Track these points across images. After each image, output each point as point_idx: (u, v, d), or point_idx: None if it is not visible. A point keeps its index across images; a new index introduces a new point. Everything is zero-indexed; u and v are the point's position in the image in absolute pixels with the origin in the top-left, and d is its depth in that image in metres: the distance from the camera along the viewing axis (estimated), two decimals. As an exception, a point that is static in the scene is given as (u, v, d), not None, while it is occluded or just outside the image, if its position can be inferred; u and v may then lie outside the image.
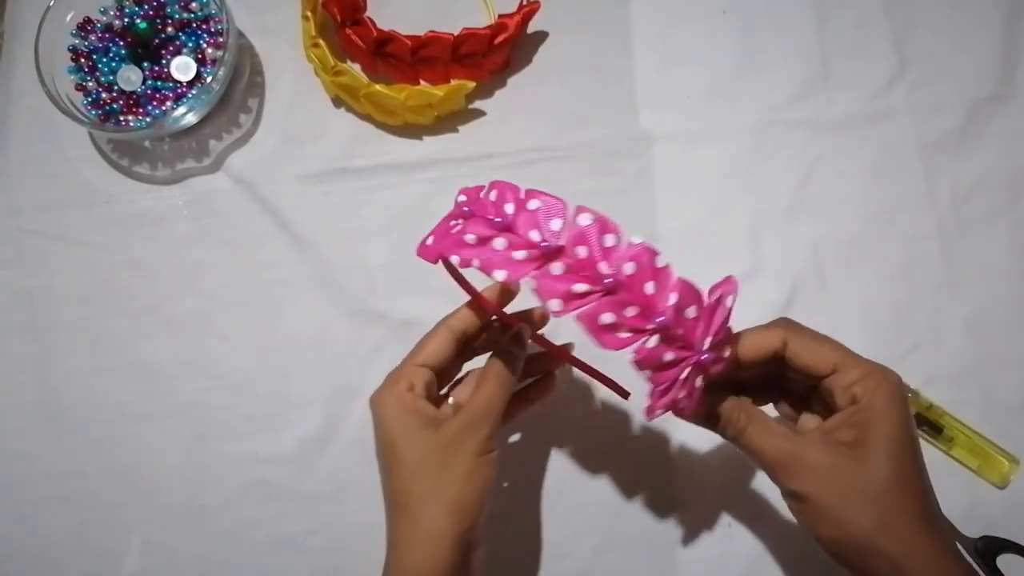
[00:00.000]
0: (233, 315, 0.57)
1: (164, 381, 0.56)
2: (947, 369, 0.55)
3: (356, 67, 0.60)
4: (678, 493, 0.54)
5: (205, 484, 0.55)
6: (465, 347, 0.44)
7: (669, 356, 0.34)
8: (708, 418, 0.39)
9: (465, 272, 0.38)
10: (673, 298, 0.33)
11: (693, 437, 0.54)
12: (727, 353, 0.36)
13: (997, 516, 0.53)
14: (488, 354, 0.43)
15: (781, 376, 0.40)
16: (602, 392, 0.55)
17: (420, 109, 0.57)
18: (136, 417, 0.56)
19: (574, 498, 0.54)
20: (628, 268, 0.33)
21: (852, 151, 0.59)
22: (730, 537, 0.53)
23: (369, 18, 0.58)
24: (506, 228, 0.34)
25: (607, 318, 0.33)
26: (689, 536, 0.53)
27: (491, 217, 0.34)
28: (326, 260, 0.57)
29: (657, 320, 0.33)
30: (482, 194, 0.36)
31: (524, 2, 0.58)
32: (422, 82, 0.59)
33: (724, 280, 0.35)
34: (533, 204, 0.34)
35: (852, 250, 0.57)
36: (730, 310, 0.35)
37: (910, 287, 0.57)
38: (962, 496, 0.53)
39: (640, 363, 0.34)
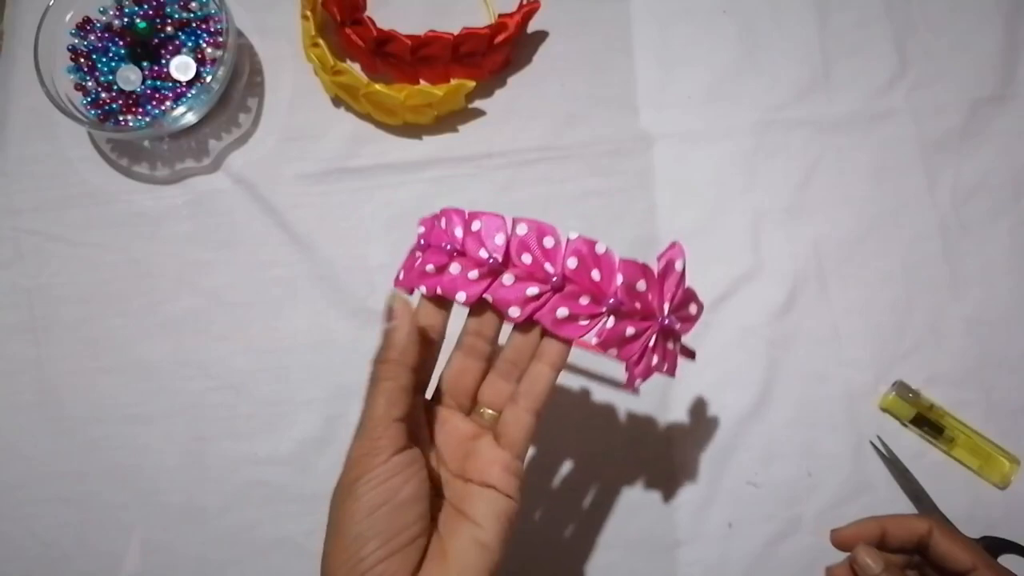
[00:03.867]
0: (233, 315, 0.57)
1: (164, 381, 0.56)
2: (948, 369, 0.55)
3: (356, 67, 0.60)
4: (678, 493, 0.54)
5: (205, 484, 0.55)
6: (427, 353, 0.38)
7: (631, 330, 0.36)
8: None
9: None
10: (619, 278, 0.36)
11: (693, 437, 0.54)
12: (693, 310, 0.39)
13: (998, 516, 0.53)
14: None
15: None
16: (602, 392, 0.55)
17: (420, 109, 0.57)
18: (136, 417, 0.56)
19: (574, 498, 0.54)
20: (571, 263, 0.36)
21: (852, 151, 0.59)
22: (730, 537, 0.53)
23: (369, 17, 0.58)
24: (458, 252, 0.36)
25: (563, 312, 0.35)
26: (689, 536, 0.53)
27: (444, 244, 0.36)
28: (326, 260, 0.57)
29: (608, 302, 0.35)
30: (435, 222, 0.38)
31: (524, 2, 0.58)
32: (422, 82, 0.59)
33: (669, 247, 0.37)
34: (475, 225, 0.36)
35: (852, 250, 0.57)
36: (681, 273, 0.37)
37: (910, 287, 0.57)
38: (963, 496, 0.53)
39: (604, 344, 0.36)
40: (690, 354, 0.42)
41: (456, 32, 0.56)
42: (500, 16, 0.58)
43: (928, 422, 0.54)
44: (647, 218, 0.58)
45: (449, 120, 0.60)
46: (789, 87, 0.60)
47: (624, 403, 0.55)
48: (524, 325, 0.36)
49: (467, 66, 0.58)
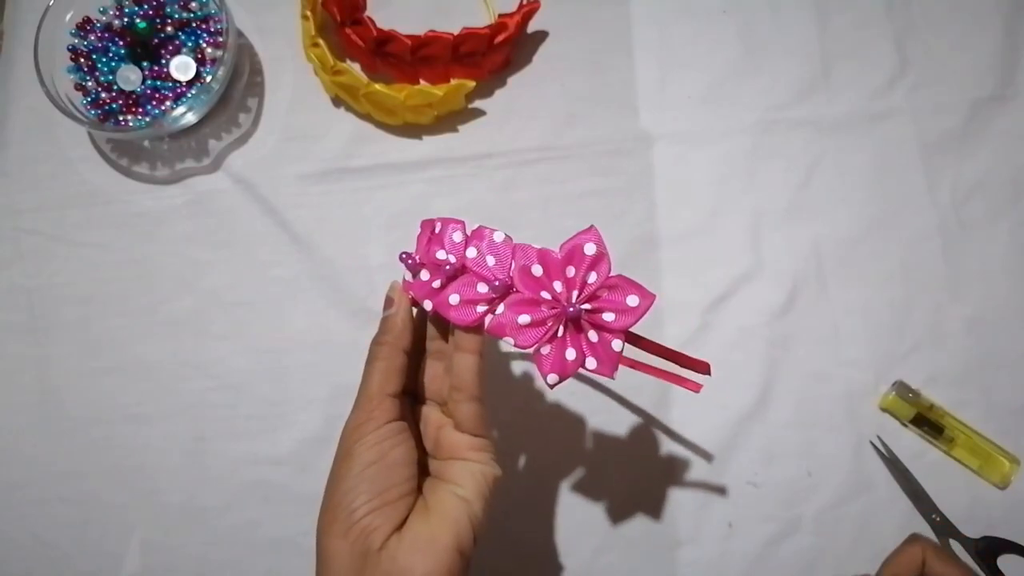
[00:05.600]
0: (233, 315, 0.57)
1: (164, 381, 0.56)
2: (948, 369, 0.55)
3: (356, 66, 0.60)
4: (678, 493, 0.54)
5: (205, 484, 0.55)
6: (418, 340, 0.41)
7: (525, 318, 0.35)
8: None
9: None
10: (512, 264, 0.36)
11: (693, 437, 0.54)
12: (633, 301, 0.35)
13: (998, 516, 0.53)
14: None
15: None
16: (602, 392, 0.55)
17: (420, 109, 0.57)
18: (136, 417, 0.56)
19: (574, 498, 0.54)
20: (470, 252, 0.37)
21: (852, 151, 0.59)
22: (730, 537, 0.53)
23: (369, 17, 0.58)
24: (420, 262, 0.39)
25: (455, 299, 0.36)
26: (689, 536, 0.53)
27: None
28: (326, 260, 0.57)
29: (494, 284, 0.36)
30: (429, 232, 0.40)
31: (524, 2, 0.58)
32: (422, 81, 0.59)
33: (582, 231, 0.36)
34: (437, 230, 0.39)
35: (852, 250, 0.57)
36: (595, 258, 0.35)
37: (910, 287, 0.57)
38: (963, 496, 0.53)
39: (492, 329, 0.36)
40: (704, 367, 0.39)
41: (456, 32, 0.56)
42: (500, 16, 0.58)
43: (928, 422, 0.54)
44: (647, 218, 0.58)
45: (449, 120, 0.60)
46: (789, 87, 0.60)
47: (624, 403, 0.55)
48: (435, 317, 0.39)
49: (467, 66, 0.58)
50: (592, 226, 0.36)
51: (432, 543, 0.35)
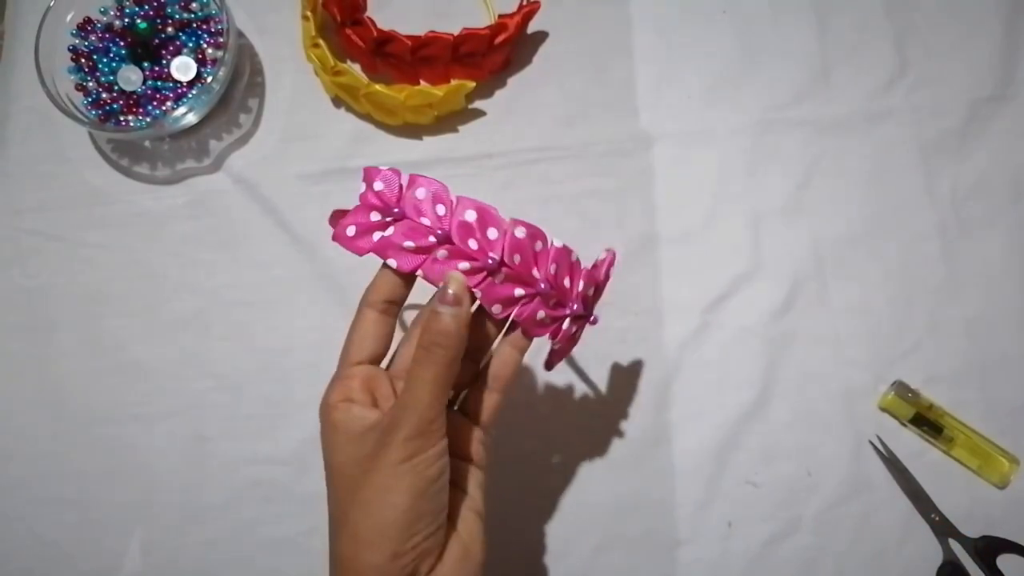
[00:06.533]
0: (233, 315, 0.57)
1: (164, 381, 0.56)
2: (947, 369, 0.55)
3: (356, 67, 0.60)
4: (678, 493, 0.54)
5: (205, 484, 0.55)
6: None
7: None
8: None
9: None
10: (553, 267, 0.37)
11: (693, 437, 0.54)
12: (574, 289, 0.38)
13: (997, 516, 0.53)
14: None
15: None
16: (601, 393, 0.55)
17: (420, 109, 0.57)
18: (136, 417, 0.56)
19: (574, 498, 0.54)
20: (464, 216, 0.36)
21: (852, 151, 0.59)
22: (730, 537, 0.53)
23: (369, 18, 0.58)
24: (446, 240, 0.37)
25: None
26: (689, 536, 0.53)
27: (423, 221, 0.37)
28: (327, 260, 0.57)
29: (489, 259, 0.36)
30: (397, 184, 0.38)
31: (524, 2, 0.58)
32: (422, 82, 0.60)
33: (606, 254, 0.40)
34: (420, 192, 0.37)
35: (851, 250, 0.57)
36: (553, 250, 0.38)
37: (910, 287, 0.57)
38: (962, 496, 0.53)
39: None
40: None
41: (456, 33, 0.56)
42: (500, 17, 0.58)
43: (927, 422, 0.54)
44: (646, 218, 0.58)
45: (449, 120, 0.60)
46: (788, 87, 0.60)
47: (624, 403, 0.55)
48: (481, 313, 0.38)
49: (467, 66, 0.58)
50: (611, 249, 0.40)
51: (466, 562, 0.35)
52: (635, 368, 0.55)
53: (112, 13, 0.58)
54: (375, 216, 0.37)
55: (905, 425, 0.54)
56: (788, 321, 0.56)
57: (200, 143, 0.60)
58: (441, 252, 0.36)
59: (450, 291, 0.35)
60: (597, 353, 0.56)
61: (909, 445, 0.54)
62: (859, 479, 0.54)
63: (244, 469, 0.55)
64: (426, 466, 0.34)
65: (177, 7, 0.58)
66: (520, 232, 0.37)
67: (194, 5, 0.58)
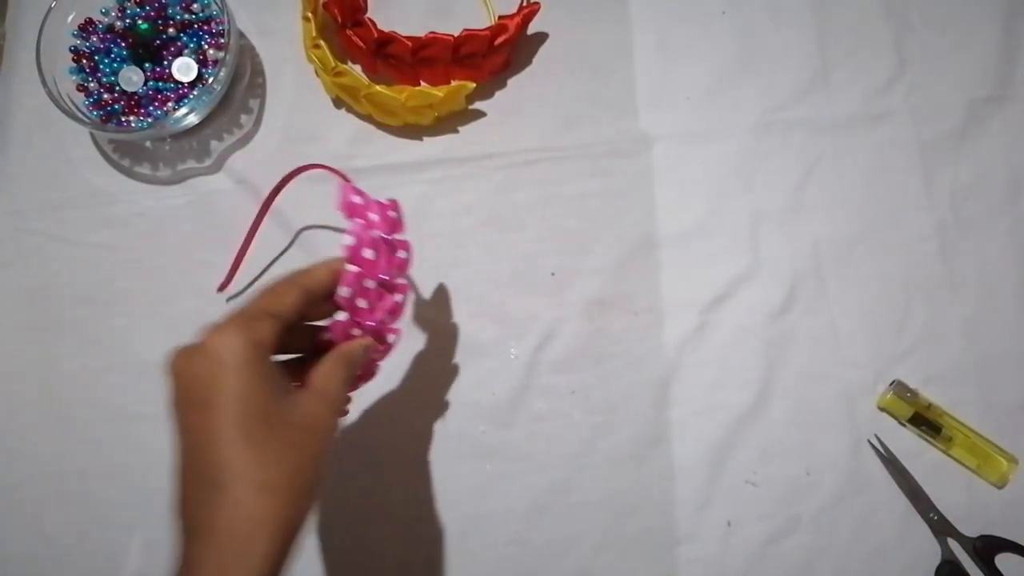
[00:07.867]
0: (234, 315, 0.57)
1: (164, 381, 0.56)
2: (946, 369, 0.55)
3: (357, 68, 0.60)
4: (677, 492, 0.54)
5: (206, 483, 0.55)
6: (308, 312, 0.40)
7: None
8: None
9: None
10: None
11: (693, 436, 0.55)
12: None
13: (996, 515, 0.53)
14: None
15: None
16: (600, 392, 0.55)
17: (420, 110, 0.57)
18: (136, 417, 0.56)
19: (574, 497, 0.54)
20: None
21: (852, 151, 0.59)
22: (729, 536, 0.53)
23: (370, 19, 0.58)
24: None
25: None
26: (688, 535, 0.53)
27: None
28: (327, 260, 0.58)
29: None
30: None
31: (524, 3, 0.58)
32: (422, 83, 0.60)
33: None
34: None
35: (851, 250, 0.57)
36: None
37: (909, 287, 0.57)
38: (961, 495, 0.53)
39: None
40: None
41: (456, 34, 0.56)
42: (500, 18, 0.58)
43: (926, 421, 0.54)
44: (646, 218, 0.58)
45: (449, 121, 0.60)
46: (788, 88, 0.60)
47: (623, 402, 0.55)
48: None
49: (467, 67, 0.59)
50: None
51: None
52: (634, 368, 0.56)
53: (113, 14, 0.58)
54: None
55: (904, 424, 0.54)
56: (787, 321, 0.56)
57: (201, 144, 0.60)
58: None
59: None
60: (597, 353, 0.56)
61: (908, 444, 0.54)
62: (858, 478, 0.54)
63: (245, 469, 0.55)
64: (321, 437, 0.37)
65: (178, 8, 0.58)
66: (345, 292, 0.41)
67: (195, 6, 0.58)
